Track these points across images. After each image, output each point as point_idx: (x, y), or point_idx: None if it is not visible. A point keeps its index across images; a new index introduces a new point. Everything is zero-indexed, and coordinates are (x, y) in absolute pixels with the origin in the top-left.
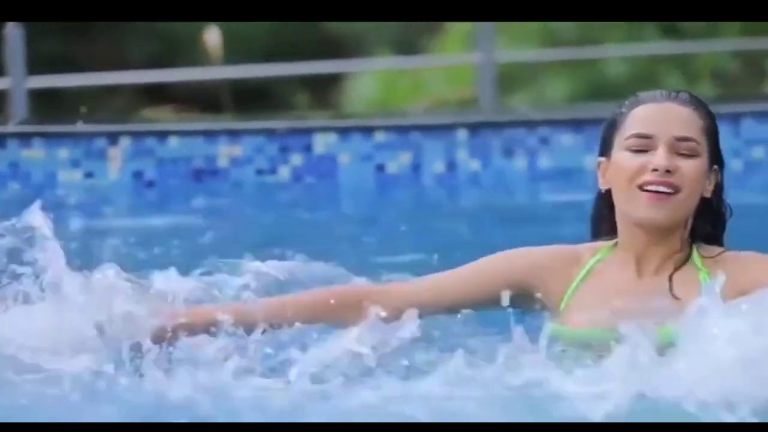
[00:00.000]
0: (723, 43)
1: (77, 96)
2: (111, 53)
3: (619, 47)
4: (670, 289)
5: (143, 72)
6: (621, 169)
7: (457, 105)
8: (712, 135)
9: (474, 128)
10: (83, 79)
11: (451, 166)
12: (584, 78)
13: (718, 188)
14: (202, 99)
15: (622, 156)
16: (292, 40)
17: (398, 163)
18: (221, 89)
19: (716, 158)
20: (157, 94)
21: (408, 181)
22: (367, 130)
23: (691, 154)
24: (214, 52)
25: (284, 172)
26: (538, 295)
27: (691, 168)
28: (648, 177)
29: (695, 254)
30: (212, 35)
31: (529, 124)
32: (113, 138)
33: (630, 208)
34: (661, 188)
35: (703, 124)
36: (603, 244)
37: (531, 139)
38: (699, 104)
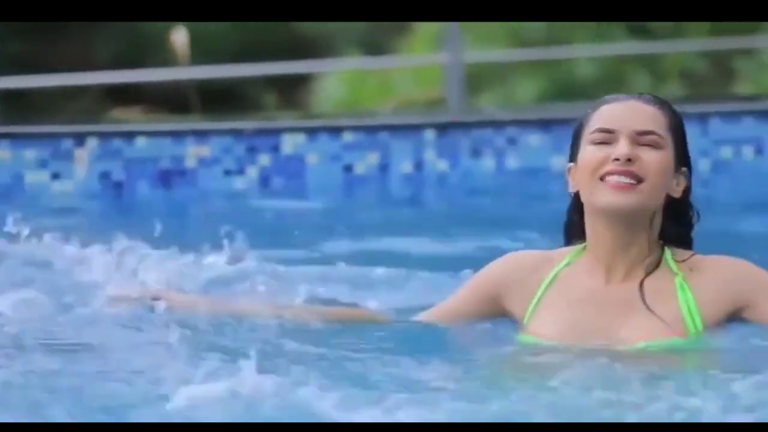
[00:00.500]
0: (691, 43)
1: (44, 97)
2: (78, 54)
3: (586, 47)
4: (642, 296)
5: (110, 72)
6: (585, 163)
7: (424, 105)
8: (678, 134)
9: (442, 128)
10: (50, 80)
11: (419, 166)
12: (552, 78)
13: (687, 191)
14: (169, 100)
15: (586, 150)
16: (259, 40)
17: (366, 163)
18: (189, 90)
19: (684, 160)
20: (124, 95)
21: (376, 181)
22: (335, 131)
23: (654, 146)
24: (181, 53)
25: (252, 173)
26: (506, 305)
27: (654, 159)
28: (610, 167)
29: (669, 258)
30: (179, 35)
31: (497, 125)
32: (80, 139)
33: (593, 198)
34: (623, 178)
35: (668, 122)
36: (573, 249)
37: (499, 139)
38: (664, 104)
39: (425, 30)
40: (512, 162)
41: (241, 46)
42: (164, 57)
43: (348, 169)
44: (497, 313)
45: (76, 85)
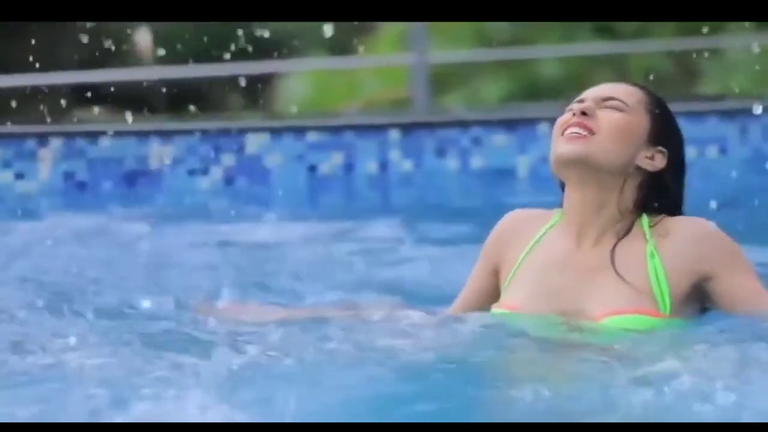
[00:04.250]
0: (656, 44)
1: (7, 97)
2: (41, 54)
3: (551, 48)
4: (612, 262)
5: (74, 73)
6: (555, 127)
7: (390, 105)
8: (653, 114)
9: (407, 128)
10: (13, 80)
11: (384, 166)
12: (518, 78)
13: (673, 172)
14: (133, 100)
15: (559, 118)
16: (224, 40)
17: (330, 163)
18: (153, 90)
19: (662, 141)
20: (88, 95)
21: (340, 181)
22: (300, 131)
23: (614, 108)
24: (145, 53)
25: (216, 173)
26: (497, 266)
27: (610, 117)
28: (568, 122)
29: (644, 224)
30: (143, 36)
31: (462, 125)
32: (44, 139)
33: (553, 153)
34: (576, 128)
35: (641, 99)
36: (560, 210)
37: (464, 139)
38: (644, 88)
39: (390, 30)
40: (477, 162)
41: (206, 46)
42: (128, 58)
43: (312, 169)
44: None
45: (39, 85)
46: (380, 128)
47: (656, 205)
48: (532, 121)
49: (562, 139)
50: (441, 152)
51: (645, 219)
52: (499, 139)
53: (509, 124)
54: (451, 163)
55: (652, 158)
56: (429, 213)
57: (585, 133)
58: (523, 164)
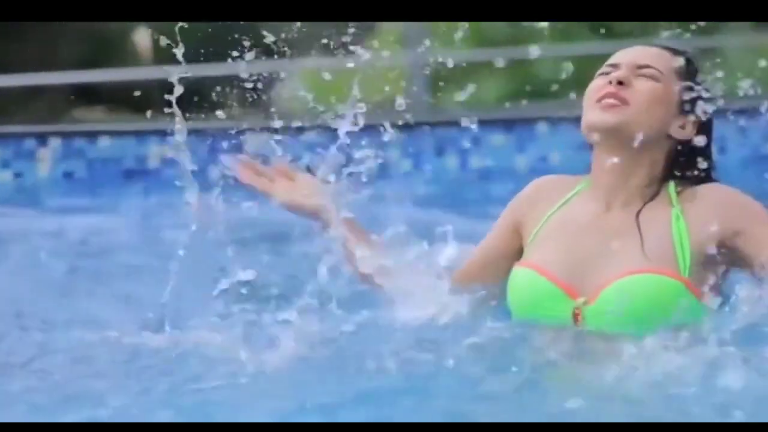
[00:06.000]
0: (656, 43)
1: (6, 97)
2: (41, 54)
3: (550, 47)
4: (637, 224)
5: (73, 72)
6: (588, 91)
7: (388, 105)
8: (685, 78)
9: (405, 128)
10: (12, 80)
11: (383, 166)
12: (515, 78)
13: (701, 139)
14: (132, 99)
15: (591, 83)
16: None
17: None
18: (151, 90)
19: (693, 108)
20: (87, 95)
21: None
22: (297, 130)
23: (650, 78)
24: (144, 53)
25: (214, 173)
26: (522, 231)
27: (645, 87)
28: (603, 90)
29: (671, 191)
30: (142, 36)
31: (461, 125)
32: (43, 139)
33: (584, 120)
34: (611, 99)
35: (675, 65)
36: (588, 176)
37: (463, 138)
38: (679, 53)
39: (389, 30)
40: (476, 161)
41: (205, 46)
42: (127, 57)
43: (310, 169)
44: (520, 247)
45: (38, 85)
46: (379, 128)
47: (687, 173)
48: (529, 121)
49: (597, 107)
50: (440, 152)
51: (672, 185)
52: (498, 138)
53: (508, 124)
54: (450, 162)
55: (683, 127)
56: (428, 213)
57: (618, 102)
58: (521, 164)
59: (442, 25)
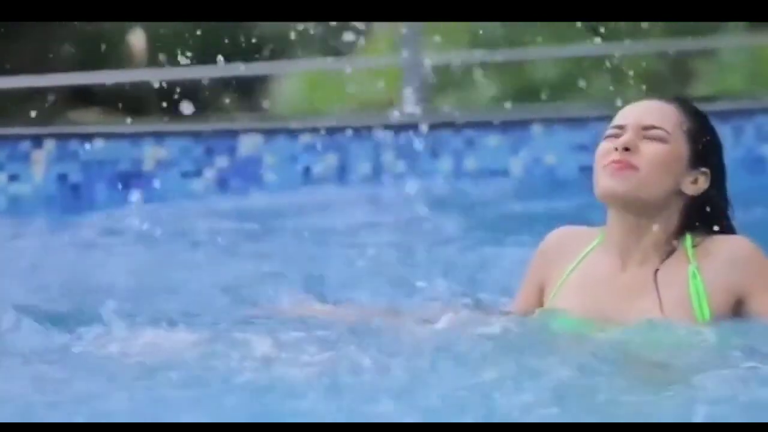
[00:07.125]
0: (649, 45)
1: (0, 99)
2: (35, 55)
3: (545, 49)
4: (655, 284)
5: (67, 75)
6: (597, 156)
7: (383, 106)
8: (694, 135)
9: (400, 130)
10: (6, 81)
11: (377, 168)
12: (511, 80)
13: (716, 190)
14: (127, 101)
15: (599, 146)
16: (218, 41)
17: (324, 164)
18: (146, 91)
19: (703, 161)
20: (82, 97)
21: (334, 182)
22: (293, 132)
23: (659, 140)
24: (138, 54)
25: (209, 175)
26: (543, 283)
27: (653, 150)
28: (611, 156)
29: (688, 245)
30: (137, 37)
31: (456, 126)
32: (37, 141)
33: (596, 185)
34: (618, 165)
35: (682, 121)
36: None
37: (457, 140)
38: (684, 104)
39: (385, 31)
40: (470, 163)
41: (200, 47)
42: (122, 59)
43: (306, 170)
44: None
45: (33, 87)
46: (374, 130)
47: (702, 224)
48: (525, 123)
49: (605, 173)
50: (434, 154)
51: (688, 239)
52: (493, 140)
53: (503, 126)
54: (445, 164)
55: (695, 182)
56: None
57: (627, 169)
58: (515, 166)
59: (440, 27)
